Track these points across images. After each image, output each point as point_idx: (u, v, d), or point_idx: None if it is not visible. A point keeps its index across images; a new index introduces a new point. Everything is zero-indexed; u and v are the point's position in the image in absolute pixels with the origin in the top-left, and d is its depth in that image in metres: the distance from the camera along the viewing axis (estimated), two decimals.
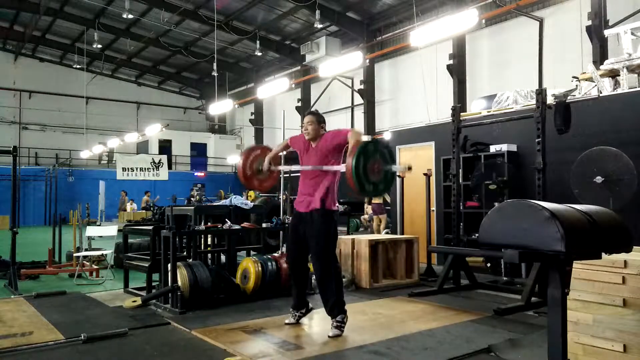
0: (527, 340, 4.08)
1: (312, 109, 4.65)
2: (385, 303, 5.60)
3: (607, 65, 7.39)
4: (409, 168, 3.83)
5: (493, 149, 7.35)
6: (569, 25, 13.00)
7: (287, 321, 4.61)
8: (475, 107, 9.02)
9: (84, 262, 7.57)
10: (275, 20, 19.23)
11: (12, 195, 6.94)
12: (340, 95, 20.99)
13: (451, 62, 15.21)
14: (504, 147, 7.22)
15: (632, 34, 7.37)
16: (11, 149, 6.65)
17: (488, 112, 8.01)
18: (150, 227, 6.00)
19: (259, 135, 25.43)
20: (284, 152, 5.25)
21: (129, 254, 6.58)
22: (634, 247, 2.64)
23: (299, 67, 21.65)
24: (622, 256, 3.03)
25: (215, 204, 9.95)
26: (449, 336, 4.21)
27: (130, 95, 28.39)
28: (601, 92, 7.00)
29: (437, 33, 9.62)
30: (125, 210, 20.04)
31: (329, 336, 4.20)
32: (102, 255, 8.14)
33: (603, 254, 2.55)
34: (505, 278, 6.71)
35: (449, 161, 6.96)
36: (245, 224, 6.30)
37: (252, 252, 6.91)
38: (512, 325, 4.57)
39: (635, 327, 2.96)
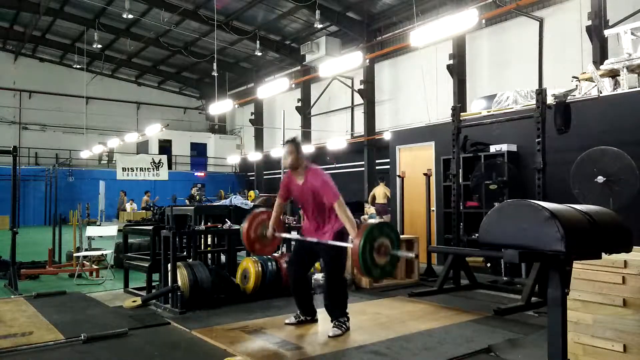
0: (527, 340, 4.08)
1: (291, 137, 4.54)
2: (385, 303, 5.60)
3: (607, 65, 7.38)
4: (416, 256, 3.83)
5: (493, 149, 7.35)
6: (569, 25, 13.00)
7: (287, 321, 4.62)
8: (475, 107, 9.02)
9: (84, 262, 7.57)
10: (275, 20, 19.23)
11: (12, 195, 6.94)
12: (340, 95, 20.99)
13: (451, 62, 15.20)
14: (504, 147, 7.22)
15: (632, 34, 7.36)
16: (11, 149, 6.66)
17: (488, 112, 8.01)
18: (150, 227, 6.00)
19: (259, 135, 25.42)
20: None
21: (129, 254, 6.58)
22: (634, 247, 2.64)
23: (299, 67, 21.64)
24: (622, 256, 3.03)
25: (215, 204, 9.95)
26: (449, 336, 4.22)
27: (130, 95, 28.39)
28: (601, 92, 7.00)
29: (437, 33, 9.60)
30: (124, 210, 20.03)
31: (329, 336, 4.20)
32: (102, 255, 8.14)
33: (603, 254, 2.55)
34: (505, 278, 6.71)
35: (449, 161, 6.95)
36: None
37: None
38: (512, 325, 4.57)
39: (635, 327, 2.96)
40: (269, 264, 5.82)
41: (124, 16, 16.34)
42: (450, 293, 6.07)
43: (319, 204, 4.34)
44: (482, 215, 4.47)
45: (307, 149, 20.56)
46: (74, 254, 7.82)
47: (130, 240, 7.42)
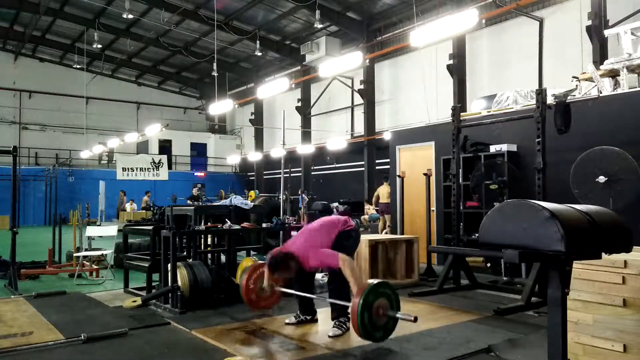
0: (527, 340, 4.08)
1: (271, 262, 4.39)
2: None
3: (607, 65, 7.38)
4: (415, 319, 3.81)
5: (493, 149, 7.34)
6: (569, 25, 13.00)
7: (287, 321, 4.62)
8: (475, 107, 9.02)
9: (84, 262, 7.57)
10: (275, 20, 19.23)
11: (12, 195, 6.93)
12: (340, 95, 20.99)
13: (451, 62, 15.21)
14: (504, 147, 7.22)
15: (632, 34, 7.36)
16: (11, 149, 6.65)
17: (488, 112, 8.01)
18: (150, 227, 6.00)
19: (259, 135, 25.43)
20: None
21: (129, 254, 6.58)
22: (634, 247, 2.64)
23: (299, 67, 21.64)
24: (622, 256, 3.03)
25: (215, 203, 9.95)
26: (449, 336, 4.21)
27: (130, 95, 28.39)
28: (601, 92, 7.00)
29: (437, 33, 9.59)
30: (124, 210, 20.03)
31: (329, 336, 4.20)
32: (102, 255, 8.14)
33: (603, 254, 2.55)
34: (505, 278, 6.71)
35: (449, 161, 6.95)
36: (245, 224, 6.29)
37: (252, 252, 6.91)
38: (512, 325, 4.57)
39: (635, 327, 2.96)
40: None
41: (124, 16, 16.34)
42: (450, 293, 6.07)
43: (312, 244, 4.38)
44: (482, 215, 4.47)
45: (308, 148, 20.60)
46: (74, 254, 7.82)
47: (130, 240, 7.42)
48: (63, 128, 26.09)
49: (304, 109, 21.64)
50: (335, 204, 15.79)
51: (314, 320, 4.64)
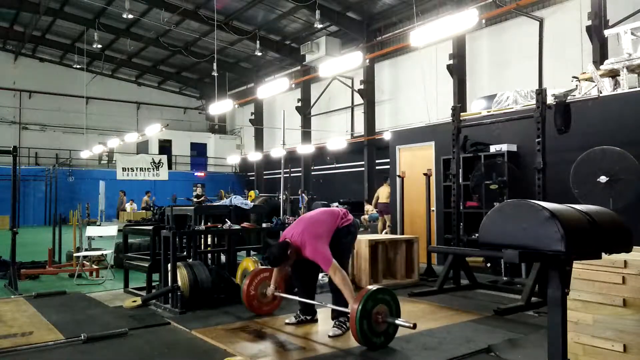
0: (527, 340, 4.08)
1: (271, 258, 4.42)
2: None
3: (607, 65, 7.38)
4: (414, 326, 3.80)
5: (493, 149, 7.34)
6: (569, 25, 13.00)
7: (287, 321, 4.62)
8: (475, 107, 9.02)
9: (84, 262, 7.57)
10: (275, 20, 19.23)
11: (12, 195, 6.93)
12: (340, 95, 20.99)
13: (451, 62, 15.21)
14: (504, 147, 7.22)
15: (632, 34, 7.36)
16: (11, 149, 6.65)
17: (488, 112, 8.01)
18: (150, 227, 6.00)
19: (259, 135, 25.44)
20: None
21: (129, 254, 6.58)
22: (634, 247, 2.64)
23: (299, 67, 21.64)
24: (622, 256, 3.02)
25: (215, 203, 9.95)
26: (449, 336, 4.21)
27: (130, 95, 28.39)
28: (601, 92, 7.00)
29: (437, 33, 9.59)
30: (124, 210, 20.03)
31: (329, 336, 4.20)
32: (102, 255, 8.14)
33: (603, 254, 2.55)
34: (505, 278, 6.71)
35: (449, 161, 6.95)
36: (245, 224, 6.29)
37: (252, 252, 6.91)
38: (512, 325, 4.57)
39: (635, 327, 2.96)
40: None
41: (124, 16, 16.35)
42: (450, 293, 6.07)
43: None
44: (482, 215, 4.47)
45: (308, 148, 20.60)
46: (74, 254, 7.82)
47: (130, 240, 7.42)
48: (63, 128, 26.10)
49: (304, 109, 21.64)
50: (335, 204, 15.80)
51: (314, 320, 4.64)
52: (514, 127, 7.04)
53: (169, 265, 5.17)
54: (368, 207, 14.88)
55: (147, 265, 5.80)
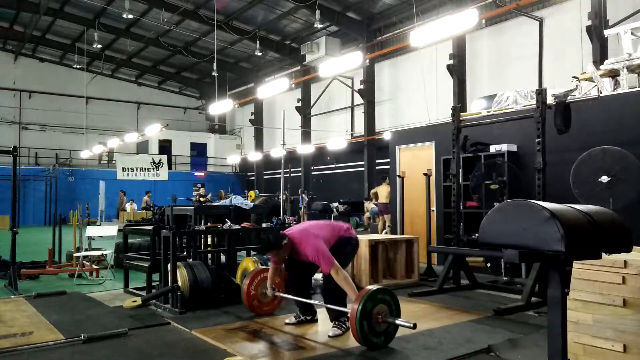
0: (527, 340, 4.08)
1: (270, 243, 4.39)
2: None
3: (607, 65, 7.38)
4: (414, 326, 3.80)
5: (493, 149, 7.34)
6: (569, 25, 13.00)
7: (287, 321, 4.62)
8: (475, 107, 9.02)
9: (84, 262, 7.57)
10: (275, 20, 19.23)
11: (12, 195, 6.94)
12: (340, 95, 20.99)
13: (451, 62, 15.21)
14: (504, 147, 7.22)
15: (632, 34, 7.36)
16: (11, 149, 6.65)
17: (488, 112, 8.01)
18: (150, 227, 6.00)
19: (259, 135, 25.43)
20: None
21: (129, 254, 6.58)
22: (634, 247, 2.64)
23: (299, 67, 21.64)
24: (622, 256, 3.02)
25: (215, 203, 9.95)
26: (449, 336, 4.21)
27: (130, 95, 28.38)
28: (601, 92, 7.00)
29: (437, 33, 9.59)
30: (124, 210, 20.03)
31: (329, 336, 4.20)
32: (102, 255, 8.14)
33: (603, 254, 2.55)
34: (505, 278, 6.71)
35: (449, 161, 6.95)
36: (245, 224, 6.29)
37: (252, 252, 6.91)
38: (512, 325, 4.57)
39: (635, 327, 2.96)
40: (269, 264, 5.81)
41: (124, 16, 16.34)
42: (450, 293, 6.07)
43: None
44: (482, 215, 4.47)
45: (308, 148, 20.60)
46: (74, 254, 7.82)
47: (130, 240, 7.41)
48: (63, 128, 26.08)
49: (304, 109, 21.63)
50: (335, 204, 15.80)
51: (314, 321, 4.64)
52: (514, 127, 7.04)
53: (169, 265, 5.17)
54: (368, 206, 14.89)
55: (147, 265, 5.80)
